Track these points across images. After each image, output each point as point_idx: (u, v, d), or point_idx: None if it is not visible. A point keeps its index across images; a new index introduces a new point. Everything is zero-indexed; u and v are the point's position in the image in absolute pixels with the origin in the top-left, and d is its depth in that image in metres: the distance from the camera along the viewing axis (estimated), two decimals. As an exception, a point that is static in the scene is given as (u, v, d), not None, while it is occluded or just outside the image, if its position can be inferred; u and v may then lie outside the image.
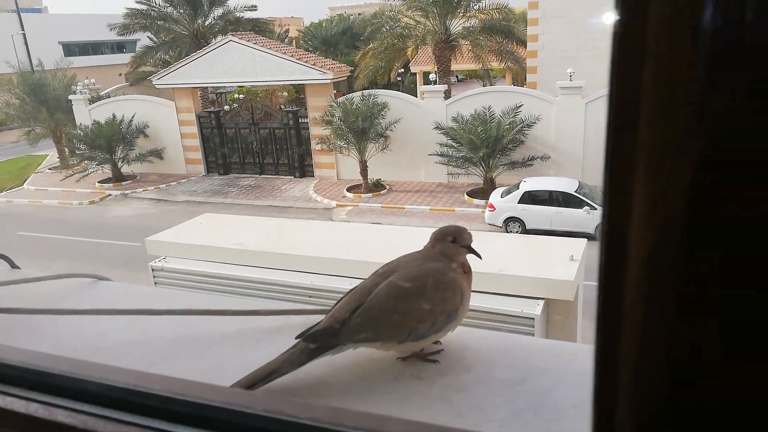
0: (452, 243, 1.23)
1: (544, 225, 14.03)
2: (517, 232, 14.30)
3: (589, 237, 13.66)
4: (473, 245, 1.25)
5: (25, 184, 23.51)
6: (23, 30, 37.06)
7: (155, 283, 4.84)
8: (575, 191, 14.04)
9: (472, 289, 4.12)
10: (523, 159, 17.09)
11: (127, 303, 1.71)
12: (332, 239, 5.24)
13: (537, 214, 14.09)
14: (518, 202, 14.32)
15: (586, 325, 7.44)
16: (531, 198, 14.29)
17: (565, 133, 17.59)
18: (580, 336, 4.52)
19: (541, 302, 4.13)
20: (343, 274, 4.47)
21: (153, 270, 4.78)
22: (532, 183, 14.77)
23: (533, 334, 4.06)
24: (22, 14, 38.25)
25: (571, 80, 17.19)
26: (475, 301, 4.45)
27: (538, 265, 4.41)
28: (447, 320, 1.17)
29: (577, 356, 1.20)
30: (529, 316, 4.05)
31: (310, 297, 4.41)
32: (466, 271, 1.24)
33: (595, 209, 13.68)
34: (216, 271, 4.65)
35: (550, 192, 14.28)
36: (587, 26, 20.49)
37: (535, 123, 17.10)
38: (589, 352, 1.04)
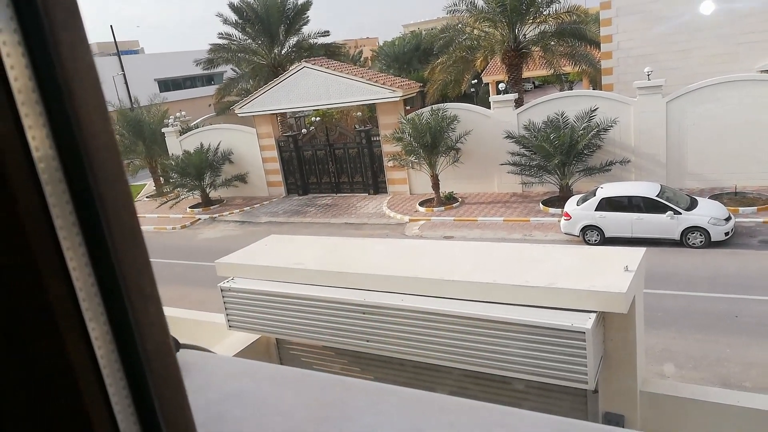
0: None
1: (624, 232, 13.41)
2: (595, 240, 13.77)
3: (674, 243, 13.00)
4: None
5: (127, 212, 25.53)
6: (123, 71, 40.65)
7: (224, 302, 5.18)
8: (657, 195, 13.32)
9: (522, 303, 4.10)
10: (600, 164, 16.47)
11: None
12: (387, 256, 5.40)
13: (616, 222, 13.50)
14: (595, 210, 13.79)
15: (650, 341, 7.07)
16: (609, 204, 13.72)
17: (646, 135, 16.78)
18: (640, 353, 4.36)
19: (593, 315, 4.06)
20: (395, 291, 4.61)
21: (222, 290, 5.14)
22: (609, 189, 14.19)
23: (584, 349, 4.00)
24: (122, 56, 42.01)
25: (649, 79, 16.40)
26: (525, 315, 4.47)
27: (590, 277, 4.33)
28: None
29: None
30: (579, 330, 4.00)
31: (363, 314, 4.59)
32: None
33: (680, 213, 12.91)
34: (278, 290, 4.94)
35: (630, 197, 13.64)
36: (663, 21, 19.49)
37: (611, 126, 16.45)
38: None
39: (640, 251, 4.42)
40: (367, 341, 4.46)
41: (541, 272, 4.43)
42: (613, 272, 4.14)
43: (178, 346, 1.81)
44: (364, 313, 4.50)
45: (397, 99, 19.95)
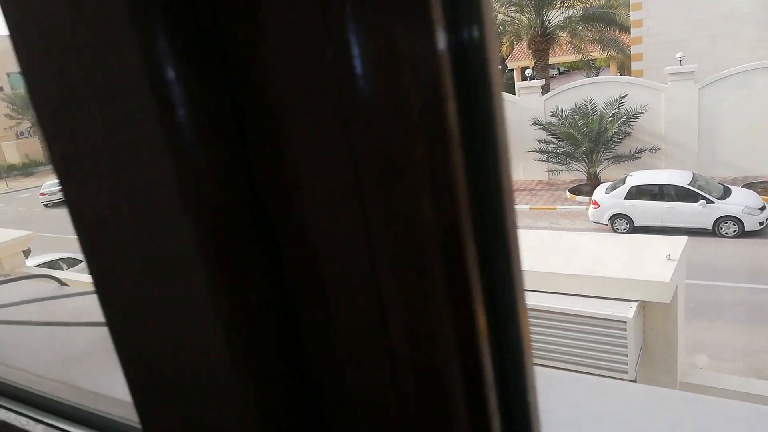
0: None
1: (655, 221, 13.17)
2: (624, 229, 13.56)
3: (707, 232, 12.74)
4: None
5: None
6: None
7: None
8: (689, 184, 13.04)
9: (561, 291, 4.04)
10: (629, 152, 16.17)
11: None
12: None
13: (646, 210, 13.26)
14: (624, 198, 13.57)
15: (688, 332, 6.95)
16: (639, 193, 13.48)
17: (677, 122, 16.38)
18: (681, 343, 4.28)
19: (635, 305, 4.00)
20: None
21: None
22: (639, 177, 13.92)
23: (625, 338, 3.95)
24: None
25: (681, 65, 15.98)
26: (565, 303, 4.41)
27: (632, 266, 4.26)
28: None
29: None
30: (620, 320, 3.95)
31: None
32: None
33: (713, 203, 12.63)
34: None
35: (661, 186, 13.37)
36: (695, 6, 18.94)
37: (641, 113, 16.11)
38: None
39: (682, 240, 4.34)
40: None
41: (579, 260, 4.38)
42: (654, 261, 4.07)
43: None
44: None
45: (422, 85, 19.76)
